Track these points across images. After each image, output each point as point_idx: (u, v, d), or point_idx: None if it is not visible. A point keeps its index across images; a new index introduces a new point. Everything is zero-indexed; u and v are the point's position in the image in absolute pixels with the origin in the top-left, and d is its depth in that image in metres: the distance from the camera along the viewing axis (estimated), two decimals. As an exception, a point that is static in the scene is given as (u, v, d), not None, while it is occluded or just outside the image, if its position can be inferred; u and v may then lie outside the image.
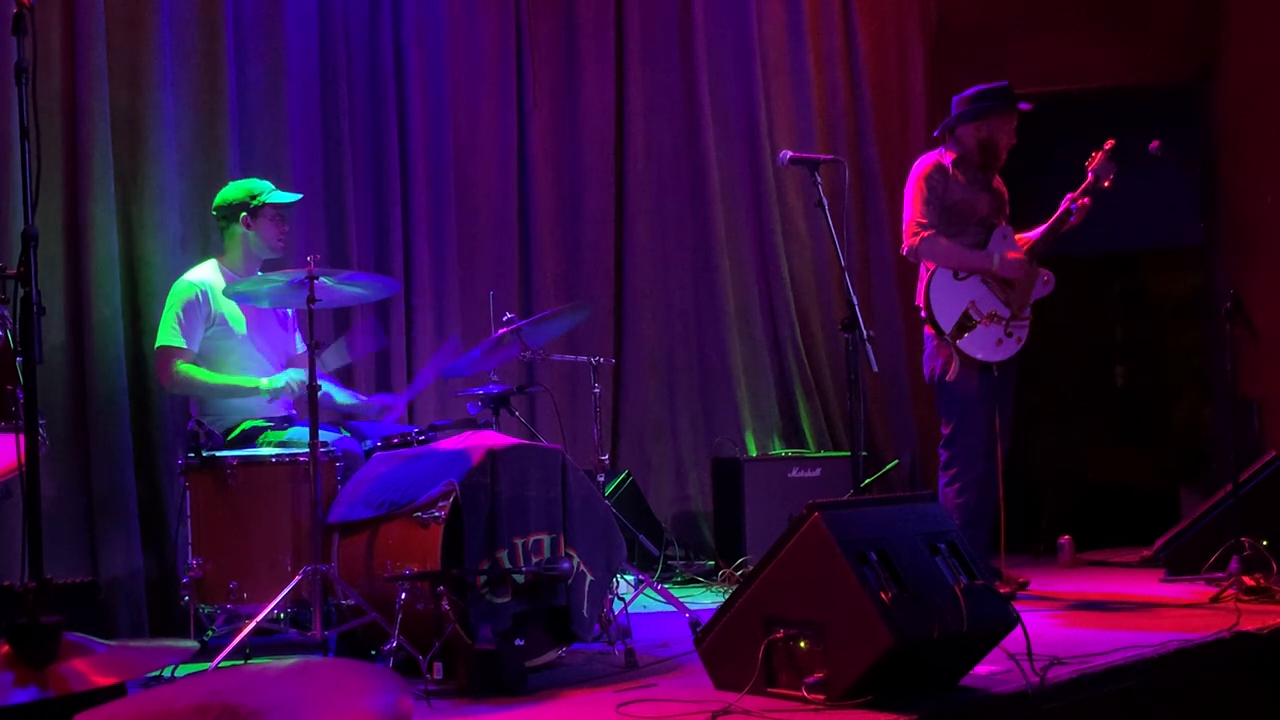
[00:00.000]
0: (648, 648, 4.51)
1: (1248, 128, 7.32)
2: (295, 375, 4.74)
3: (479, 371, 5.13)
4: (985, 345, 5.50)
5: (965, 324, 5.48)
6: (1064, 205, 5.54)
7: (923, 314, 5.57)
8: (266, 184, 5.01)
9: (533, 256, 6.77)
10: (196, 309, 4.85)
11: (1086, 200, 5.52)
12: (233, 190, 5.01)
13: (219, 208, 5.01)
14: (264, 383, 4.79)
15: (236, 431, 4.83)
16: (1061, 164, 5.85)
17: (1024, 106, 5.62)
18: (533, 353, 5.13)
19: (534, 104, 6.80)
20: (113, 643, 3.20)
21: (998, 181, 5.74)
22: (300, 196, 5.12)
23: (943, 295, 5.51)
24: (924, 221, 5.51)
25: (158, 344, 4.88)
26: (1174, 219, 7.02)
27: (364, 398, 5.19)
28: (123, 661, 3.00)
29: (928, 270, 5.57)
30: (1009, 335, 5.54)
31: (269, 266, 5.03)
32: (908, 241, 5.56)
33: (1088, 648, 4.18)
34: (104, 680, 2.84)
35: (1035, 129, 5.81)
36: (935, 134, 5.81)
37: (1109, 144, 5.56)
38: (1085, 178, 5.55)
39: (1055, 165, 5.94)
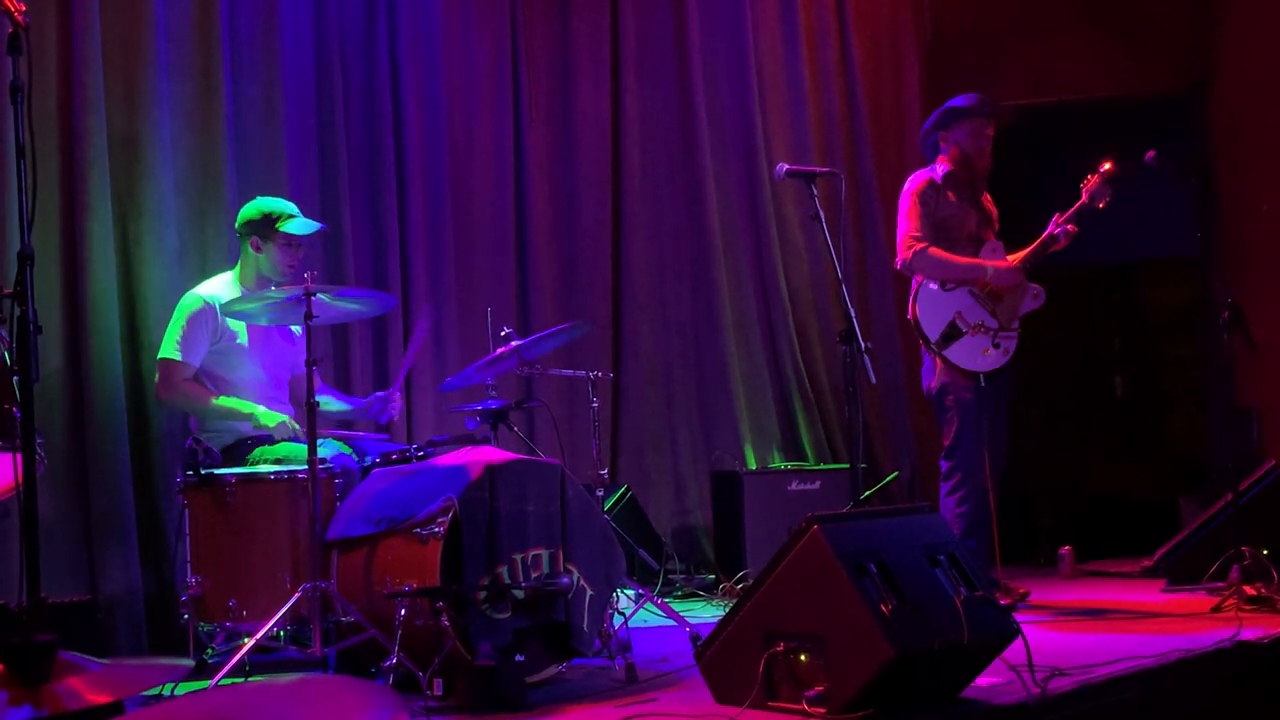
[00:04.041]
0: (648, 662, 4.49)
1: (1244, 137, 7.33)
2: (294, 425, 4.75)
3: (477, 386, 5.12)
4: (971, 355, 5.54)
5: (951, 334, 5.53)
6: (1050, 229, 5.58)
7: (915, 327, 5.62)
8: (290, 207, 4.93)
9: (529, 271, 6.77)
10: (202, 323, 4.84)
11: (1072, 227, 5.55)
12: (253, 208, 4.94)
13: (238, 224, 4.97)
14: (259, 412, 4.78)
15: (235, 446, 4.82)
16: (1056, 174, 5.86)
17: (988, 108, 5.67)
18: (530, 367, 5.13)
19: (530, 118, 6.80)
20: (108, 661, 3.19)
21: (986, 199, 5.81)
22: (320, 227, 5.01)
23: (930, 306, 5.57)
24: (918, 235, 5.57)
25: (160, 356, 4.88)
26: (1170, 229, 7.03)
27: (360, 400, 5.18)
28: (118, 680, 2.98)
29: (917, 283, 5.61)
30: (996, 346, 5.57)
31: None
32: (901, 255, 5.63)
33: (1089, 658, 4.17)
34: (99, 698, 2.82)
35: (1030, 140, 5.82)
36: (924, 154, 5.88)
37: (1105, 166, 5.57)
38: (1079, 195, 5.57)
39: (1050, 175, 5.97)
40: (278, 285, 4.96)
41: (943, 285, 5.59)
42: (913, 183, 5.70)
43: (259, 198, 5.02)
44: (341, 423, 5.41)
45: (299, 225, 4.91)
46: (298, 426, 4.76)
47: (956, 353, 5.54)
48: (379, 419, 5.17)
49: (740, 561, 6.37)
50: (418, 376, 6.11)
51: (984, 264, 5.59)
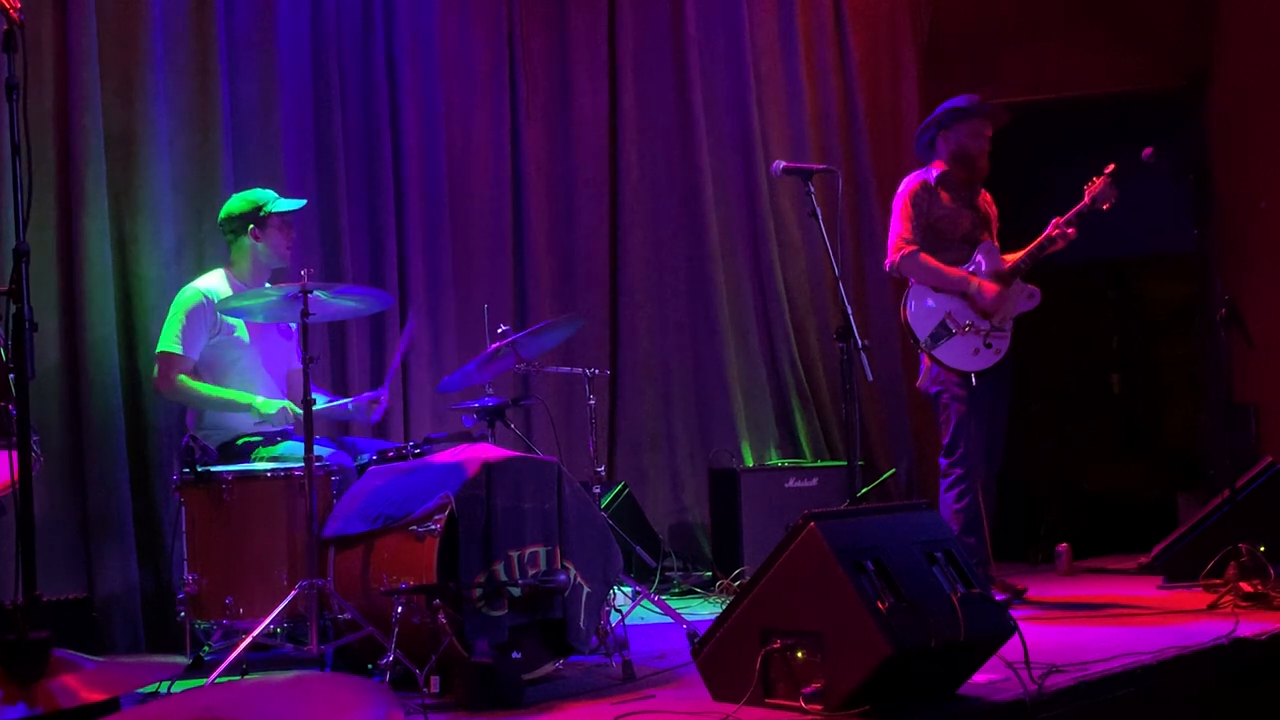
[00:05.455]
0: (645, 659, 4.49)
1: (1241, 134, 7.33)
2: (294, 408, 4.74)
3: (474, 384, 5.12)
4: (961, 355, 5.56)
5: (940, 333, 5.55)
6: (1048, 231, 5.59)
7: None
8: (270, 193, 5.03)
9: (527, 268, 6.76)
10: (201, 316, 4.85)
11: (1071, 230, 5.56)
12: (237, 202, 5.01)
13: (224, 220, 5.01)
14: (258, 402, 4.78)
15: (231, 444, 4.82)
16: (1053, 172, 5.86)
17: (988, 108, 5.67)
18: (527, 365, 5.14)
19: (527, 116, 6.80)
20: (102, 659, 3.19)
21: (986, 197, 5.84)
22: (305, 202, 5.14)
23: (920, 305, 5.61)
24: (908, 238, 5.62)
25: (159, 349, 4.88)
26: (1168, 226, 7.02)
27: (350, 400, 5.18)
28: (112, 677, 2.98)
29: (909, 284, 5.63)
30: (987, 346, 5.58)
31: (275, 275, 5.04)
32: (890, 258, 5.68)
33: (1086, 655, 4.18)
34: (93, 696, 2.82)
35: (1028, 137, 5.81)
36: (917, 154, 5.88)
37: (1110, 168, 5.58)
38: (1077, 194, 5.57)
39: (1047, 173, 5.96)
40: (276, 270, 5.04)
41: (934, 286, 5.61)
42: (906, 185, 5.73)
43: (234, 195, 5.09)
44: (337, 426, 5.41)
45: (287, 203, 5.02)
46: (299, 411, 4.73)
47: (946, 352, 5.56)
48: (367, 420, 5.18)
49: (737, 559, 6.37)
50: (415, 374, 6.12)
51: (969, 279, 5.61)
